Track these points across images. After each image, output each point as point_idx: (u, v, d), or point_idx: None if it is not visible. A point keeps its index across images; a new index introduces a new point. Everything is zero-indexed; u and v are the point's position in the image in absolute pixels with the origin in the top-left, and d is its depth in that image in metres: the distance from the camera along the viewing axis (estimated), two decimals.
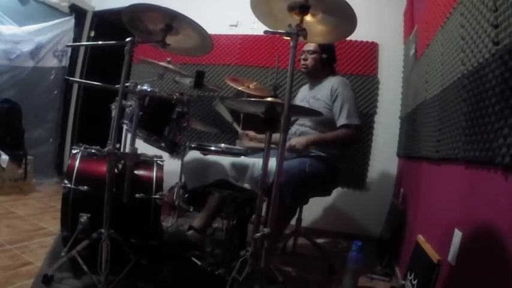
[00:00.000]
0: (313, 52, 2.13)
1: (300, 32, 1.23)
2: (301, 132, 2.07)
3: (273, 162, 1.46)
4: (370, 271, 2.12)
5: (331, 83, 2.08)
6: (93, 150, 1.84)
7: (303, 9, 1.26)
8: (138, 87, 1.94)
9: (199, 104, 3.32)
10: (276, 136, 1.30)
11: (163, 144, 2.01)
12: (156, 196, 1.81)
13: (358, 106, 2.09)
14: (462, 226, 1.19)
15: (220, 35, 3.33)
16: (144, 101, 1.85)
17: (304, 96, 2.21)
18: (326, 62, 2.16)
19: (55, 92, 3.79)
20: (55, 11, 3.61)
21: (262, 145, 2.12)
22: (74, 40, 3.78)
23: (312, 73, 2.18)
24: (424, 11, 2.14)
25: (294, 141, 1.89)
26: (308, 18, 1.30)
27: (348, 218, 3.01)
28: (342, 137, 1.97)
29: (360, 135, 2.04)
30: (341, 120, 1.97)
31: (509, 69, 0.90)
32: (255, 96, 2.59)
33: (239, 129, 2.36)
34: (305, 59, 2.15)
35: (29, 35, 3.38)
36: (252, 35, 3.30)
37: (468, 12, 1.25)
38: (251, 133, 2.32)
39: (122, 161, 1.71)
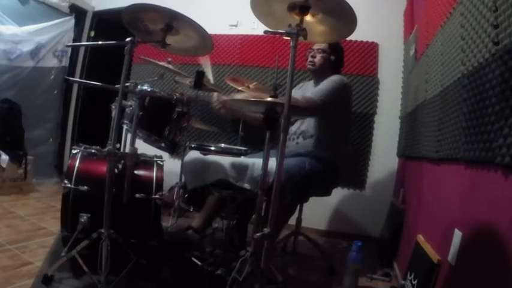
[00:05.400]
0: (323, 51, 2.10)
1: (300, 32, 1.23)
2: (301, 131, 2.07)
3: (273, 162, 1.46)
4: (370, 271, 2.12)
5: (329, 79, 2.06)
6: (93, 150, 1.84)
7: (303, 9, 1.26)
8: (138, 87, 1.94)
9: (199, 104, 3.32)
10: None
11: (163, 144, 2.01)
12: (156, 196, 1.81)
13: (336, 96, 1.94)
14: (462, 226, 1.19)
15: (220, 35, 3.33)
16: (144, 101, 1.85)
17: (299, 88, 2.22)
18: (333, 64, 2.14)
19: (55, 92, 3.79)
20: (55, 11, 3.61)
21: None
22: (74, 40, 3.77)
23: (317, 72, 2.14)
24: (424, 11, 2.14)
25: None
26: (308, 18, 1.30)
27: (348, 218, 3.01)
28: (301, 102, 1.87)
29: (316, 111, 1.90)
30: (310, 94, 1.95)
31: (509, 69, 0.90)
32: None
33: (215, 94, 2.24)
34: (313, 57, 2.12)
35: (29, 35, 3.38)
36: (252, 35, 3.30)
37: (468, 12, 1.25)
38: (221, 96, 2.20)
39: (122, 161, 1.71)
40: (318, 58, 2.11)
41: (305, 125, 2.07)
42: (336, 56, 2.13)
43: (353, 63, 3.04)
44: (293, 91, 2.21)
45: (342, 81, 2.04)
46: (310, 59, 2.13)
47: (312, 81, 2.30)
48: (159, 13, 1.53)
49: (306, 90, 2.14)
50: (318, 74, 2.16)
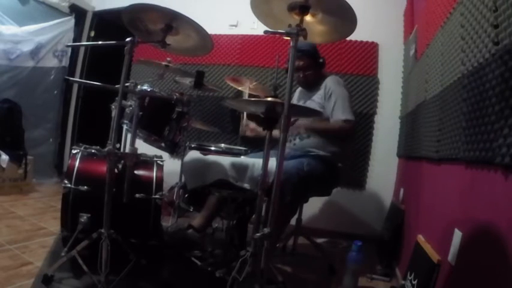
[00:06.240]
0: (309, 66, 2.08)
1: (300, 32, 1.23)
2: (298, 132, 2.06)
3: (273, 162, 1.46)
4: (370, 271, 2.12)
5: (325, 82, 2.08)
6: (93, 150, 1.84)
7: (303, 9, 1.26)
8: (138, 87, 1.94)
9: (199, 104, 3.32)
10: (276, 132, 1.30)
11: (163, 144, 2.01)
12: (156, 196, 1.81)
13: (352, 103, 2.09)
14: (462, 226, 1.19)
15: (220, 35, 3.33)
16: (144, 101, 1.85)
17: (300, 98, 2.22)
18: (322, 66, 2.15)
19: (55, 92, 3.79)
20: (55, 11, 3.62)
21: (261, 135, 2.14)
22: (74, 40, 3.78)
23: (312, 83, 2.15)
24: (424, 11, 2.14)
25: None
26: (308, 18, 1.30)
27: (347, 218, 3.01)
28: (337, 128, 1.97)
29: (353, 131, 2.02)
30: (336, 116, 1.97)
31: (509, 69, 0.90)
32: (255, 97, 2.59)
33: (244, 119, 2.36)
34: (304, 76, 2.11)
35: (29, 35, 3.38)
36: (252, 35, 3.30)
37: (468, 12, 1.25)
38: (251, 124, 2.30)
39: (122, 161, 1.71)
40: (309, 74, 2.10)
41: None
42: (321, 58, 2.13)
43: (353, 63, 3.04)
44: (296, 101, 2.22)
45: (341, 82, 2.09)
46: (300, 78, 2.13)
47: (303, 90, 2.27)
48: (159, 13, 1.53)
49: (307, 100, 2.14)
50: (311, 84, 2.16)
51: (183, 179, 2.38)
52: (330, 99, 2.01)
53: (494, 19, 1.01)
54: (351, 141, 2.73)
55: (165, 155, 2.20)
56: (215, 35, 3.20)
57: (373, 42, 3.02)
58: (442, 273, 1.26)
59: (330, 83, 2.06)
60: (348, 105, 2.01)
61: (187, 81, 2.59)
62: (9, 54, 3.29)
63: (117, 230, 1.48)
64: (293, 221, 2.20)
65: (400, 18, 2.95)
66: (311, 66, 2.09)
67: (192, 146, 2.30)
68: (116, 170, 1.64)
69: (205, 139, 3.31)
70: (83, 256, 1.49)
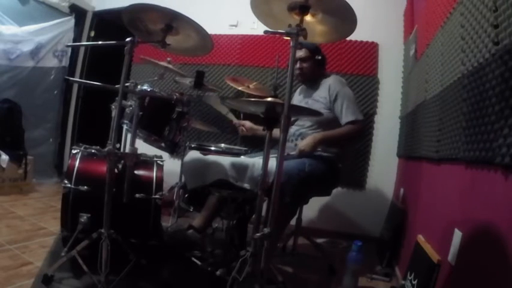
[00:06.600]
0: (307, 58, 2.10)
1: (300, 32, 1.23)
2: (300, 133, 2.07)
3: (273, 162, 1.46)
4: (370, 271, 2.12)
5: (327, 83, 2.09)
6: (93, 150, 1.84)
7: (303, 9, 1.26)
8: (138, 87, 1.94)
9: (199, 104, 3.32)
10: (277, 132, 1.30)
11: (163, 144, 2.01)
12: (156, 196, 1.81)
13: (355, 99, 2.11)
14: (462, 226, 1.19)
15: (220, 35, 3.33)
16: (144, 101, 1.85)
17: (302, 98, 2.22)
18: (321, 64, 2.16)
19: (55, 92, 3.79)
20: (55, 11, 3.62)
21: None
22: (74, 40, 3.78)
23: (309, 79, 2.17)
24: (424, 11, 2.14)
25: (302, 145, 1.89)
26: (308, 18, 1.30)
27: (348, 218, 3.01)
28: (347, 132, 1.99)
29: (362, 130, 2.05)
30: (346, 118, 1.99)
31: (509, 69, 0.90)
32: (255, 97, 2.58)
33: (235, 119, 2.32)
34: (300, 68, 2.12)
35: (29, 35, 3.38)
36: (252, 35, 3.30)
37: (468, 12, 1.25)
38: (247, 124, 2.29)
39: (122, 161, 1.71)
40: (306, 67, 2.11)
41: (304, 127, 2.08)
42: (320, 55, 2.14)
43: (353, 63, 3.04)
44: (296, 100, 2.22)
45: (344, 82, 2.10)
46: (297, 71, 2.13)
47: (303, 87, 2.28)
48: (159, 13, 1.53)
49: (309, 100, 2.14)
50: (310, 80, 2.17)
51: (183, 179, 2.38)
52: (337, 101, 2.02)
53: (494, 19, 1.01)
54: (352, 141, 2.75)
55: (165, 155, 2.20)
56: (215, 35, 3.20)
57: (373, 42, 3.02)
58: (442, 273, 1.26)
59: (334, 84, 2.06)
60: (355, 105, 2.04)
61: (187, 81, 2.59)
62: (9, 54, 3.29)
63: (117, 230, 1.48)
64: (293, 221, 2.20)
65: (400, 18, 2.95)
66: (309, 59, 2.10)
67: (192, 146, 2.30)
68: (116, 170, 1.64)
69: (205, 139, 3.30)
70: (83, 256, 1.49)
